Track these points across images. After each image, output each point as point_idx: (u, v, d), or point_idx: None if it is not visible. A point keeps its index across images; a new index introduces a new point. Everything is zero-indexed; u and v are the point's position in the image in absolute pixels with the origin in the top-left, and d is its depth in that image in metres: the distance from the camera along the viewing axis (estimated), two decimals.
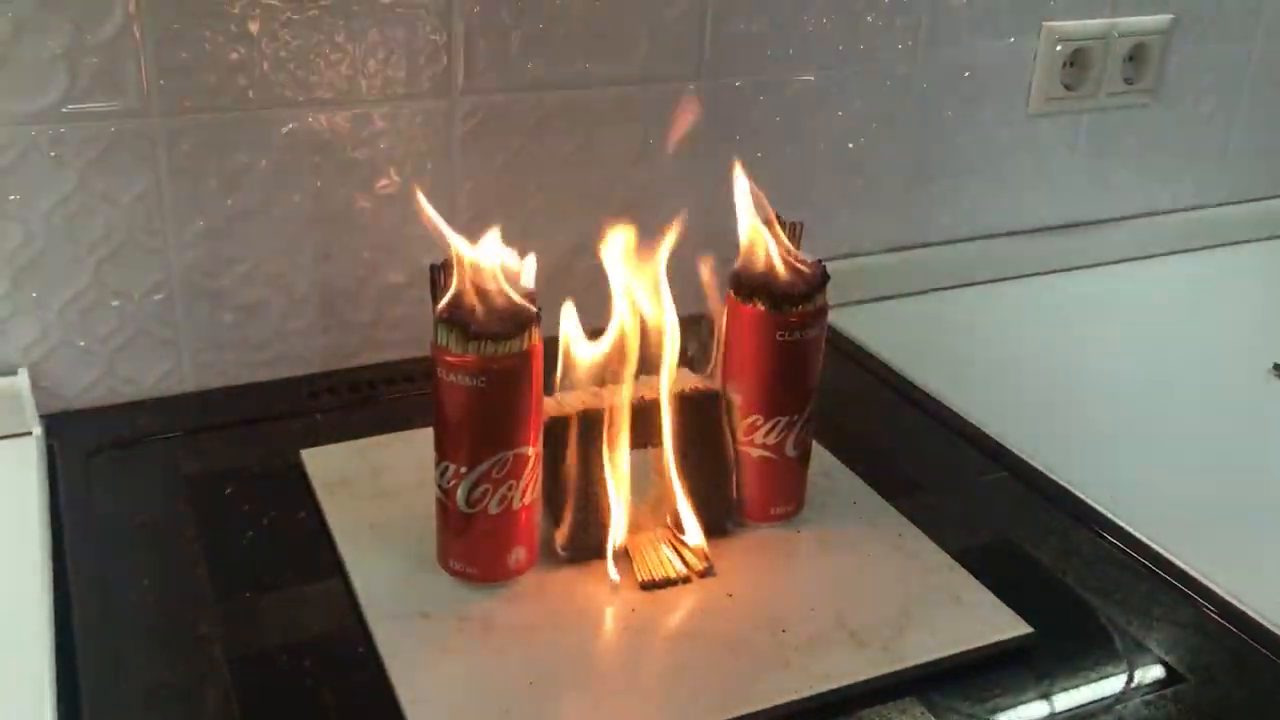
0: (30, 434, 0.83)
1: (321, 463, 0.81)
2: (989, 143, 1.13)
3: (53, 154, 0.79)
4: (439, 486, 0.67)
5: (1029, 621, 0.69)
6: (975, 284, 1.16)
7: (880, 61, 1.05)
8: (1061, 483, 0.83)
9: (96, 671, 0.64)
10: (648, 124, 0.97)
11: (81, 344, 0.85)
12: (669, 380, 0.71)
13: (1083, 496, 0.82)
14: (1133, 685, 0.67)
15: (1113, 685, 0.67)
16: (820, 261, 0.72)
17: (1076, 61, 1.14)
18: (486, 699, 0.62)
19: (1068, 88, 1.14)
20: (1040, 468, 0.85)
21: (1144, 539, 0.78)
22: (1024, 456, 0.86)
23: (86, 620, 0.68)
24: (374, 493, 0.78)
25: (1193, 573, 0.75)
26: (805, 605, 0.69)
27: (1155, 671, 0.68)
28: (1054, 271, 1.20)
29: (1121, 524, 0.79)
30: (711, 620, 0.68)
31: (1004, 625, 0.69)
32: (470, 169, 0.92)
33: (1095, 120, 1.17)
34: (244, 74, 0.83)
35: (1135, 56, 1.16)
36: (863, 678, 0.64)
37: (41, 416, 0.85)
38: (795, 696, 0.63)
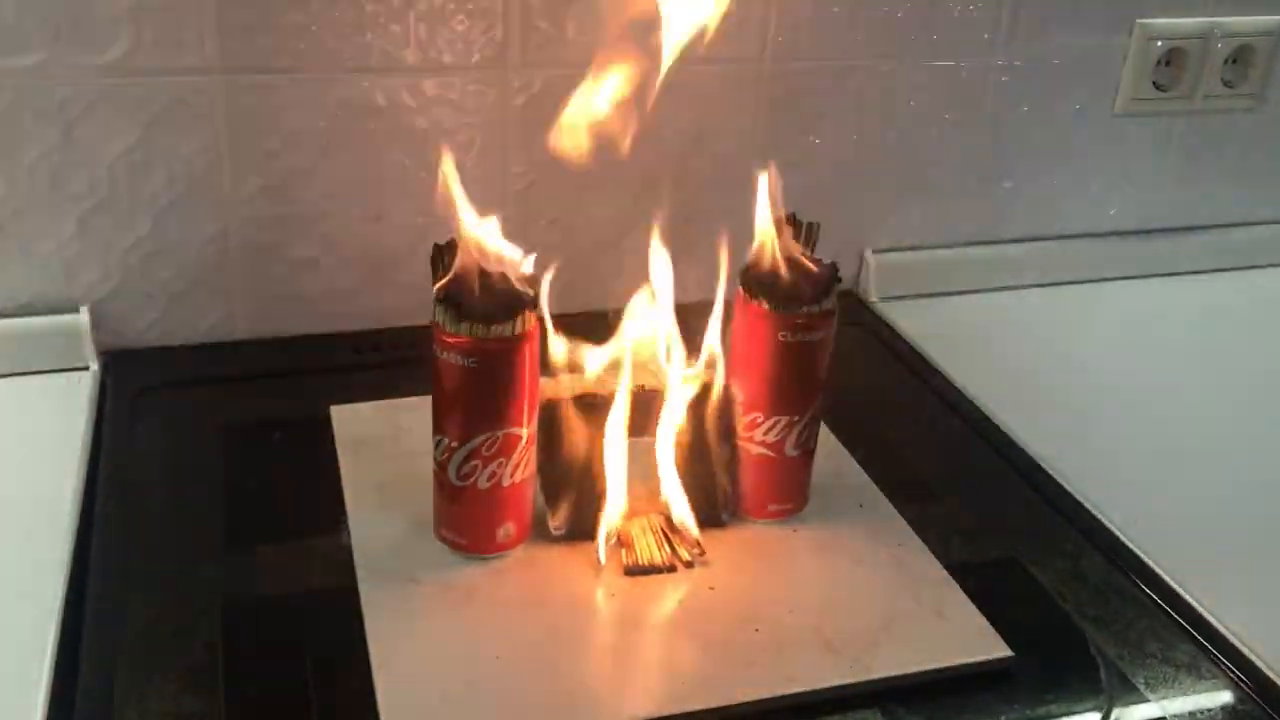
0: (88, 369, 0.89)
1: (348, 420, 0.84)
2: (1069, 141, 1.09)
3: (118, 106, 0.83)
4: (434, 458, 0.69)
5: (1013, 645, 0.68)
6: (1044, 285, 1.13)
7: (956, 52, 1.02)
8: (1084, 503, 0.81)
9: (101, 601, 0.68)
10: (707, 106, 0.97)
11: (140, 288, 0.90)
12: (671, 370, 0.72)
13: (1102, 519, 0.80)
14: None
15: (1087, 717, 0.66)
16: (834, 265, 0.71)
17: (1173, 61, 1.09)
18: (453, 668, 0.64)
19: (1159, 88, 1.09)
20: (1065, 485, 0.83)
21: (1157, 569, 0.76)
22: (1051, 472, 0.85)
23: (103, 551, 0.72)
24: (391, 454, 0.80)
25: (1202, 611, 0.72)
26: (785, 606, 0.70)
27: (1138, 712, 0.66)
28: (1131, 278, 1.15)
29: (1137, 551, 0.77)
30: (688, 612, 0.69)
31: (984, 646, 0.68)
32: (523, 142, 0.93)
33: (1189, 123, 1.12)
34: (303, 39, 0.85)
35: (1239, 59, 1.11)
36: (826, 685, 0.65)
37: (101, 354, 0.90)
38: (752, 696, 0.63)
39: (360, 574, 0.70)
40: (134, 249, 0.88)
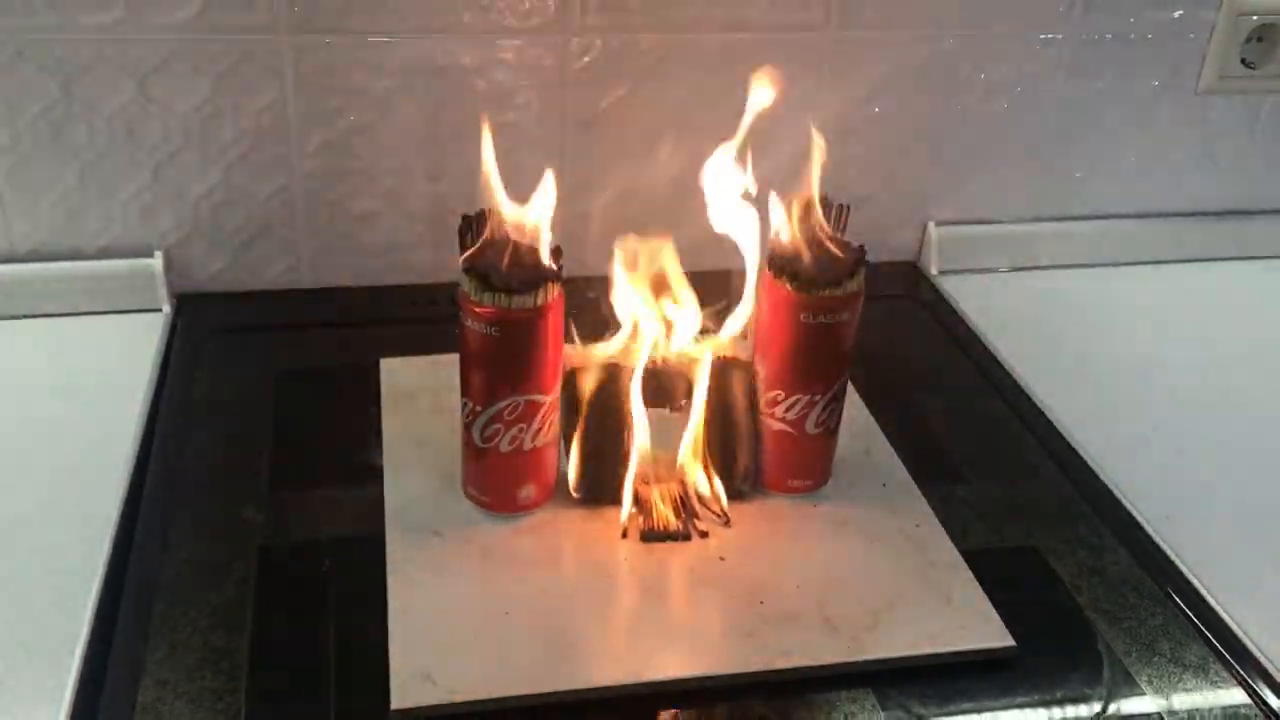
0: (160, 310, 0.94)
1: (396, 372, 0.87)
2: (1148, 118, 1.06)
3: (190, 63, 0.87)
4: (461, 420, 0.72)
5: (1018, 635, 0.68)
6: (1115, 265, 1.10)
7: (1030, 23, 1.00)
8: (1117, 495, 0.81)
9: (148, 534, 0.73)
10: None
11: (211, 235, 0.94)
12: (700, 341, 0.73)
13: (1134, 513, 0.79)
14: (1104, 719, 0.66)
15: (1081, 713, 0.66)
16: (862, 248, 0.72)
17: (1265, 37, 1.05)
18: (462, 620, 0.67)
19: (1249, 65, 1.05)
20: (1101, 476, 0.82)
21: (1182, 567, 0.75)
22: (1089, 462, 0.84)
23: (156, 486, 0.77)
24: (432, 409, 0.83)
25: (1222, 614, 0.71)
26: (792, 581, 0.71)
27: (1135, 711, 0.66)
28: (1210, 260, 1.12)
29: (1164, 549, 0.76)
30: (696, 580, 0.71)
31: (986, 634, 0.68)
32: (581, 106, 0.94)
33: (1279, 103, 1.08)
34: (377, 2, 0.88)
35: None
36: (822, 662, 0.66)
37: (173, 296, 0.95)
38: (745, 668, 0.65)
39: (389, 524, 0.73)
40: (205, 198, 0.93)
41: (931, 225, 1.07)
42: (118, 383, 0.86)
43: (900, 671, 0.67)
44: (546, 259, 0.68)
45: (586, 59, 0.93)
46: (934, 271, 1.07)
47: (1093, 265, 1.10)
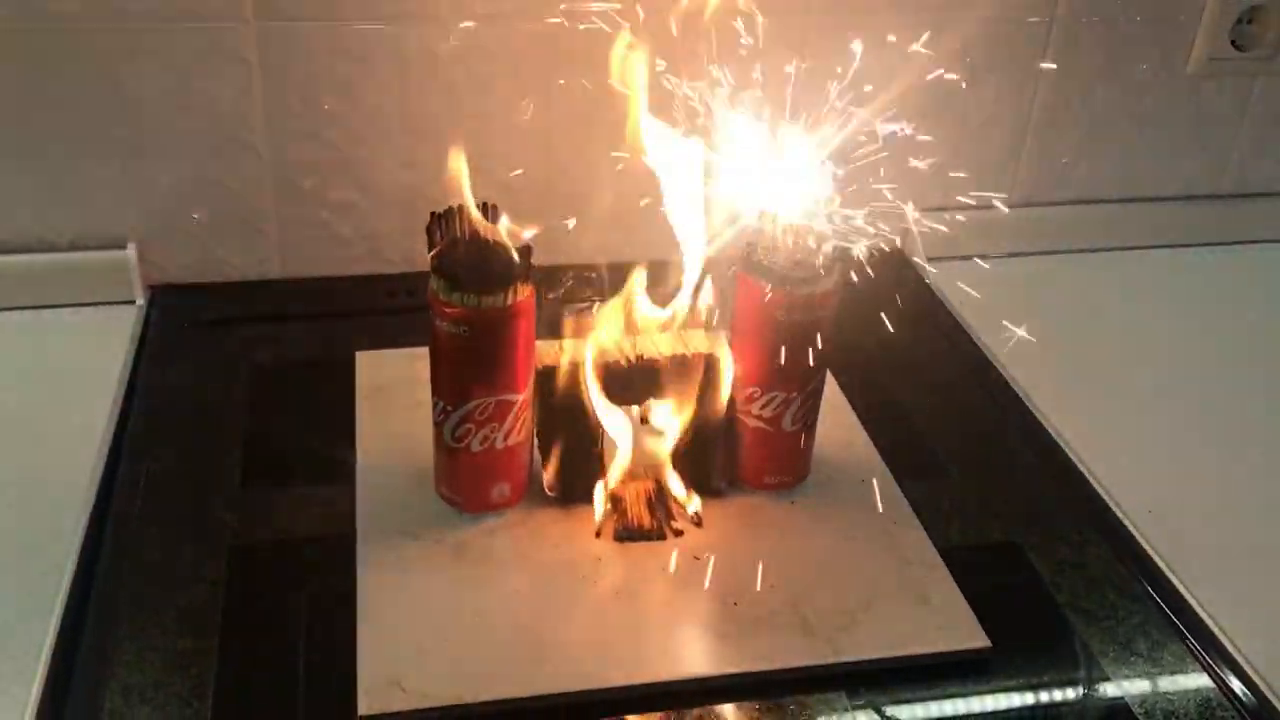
0: (134, 303, 0.93)
1: (371, 366, 0.86)
2: (1137, 101, 1.04)
3: (156, 51, 0.86)
4: (434, 419, 0.71)
5: (995, 634, 0.68)
6: (1104, 250, 1.09)
7: (1015, 4, 0.98)
8: (1100, 491, 0.80)
9: (116, 534, 0.72)
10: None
11: (184, 226, 0.93)
12: (672, 338, 0.72)
13: (1116, 510, 0.78)
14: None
15: (1057, 713, 0.65)
16: (836, 246, 0.70)
17: (1255, 19, 1.03)
18: (433, 623, 0.66)
19: (1239, 47, 1.04)
20: (1084, 471, 0.82)
21: (1162, 565, 0.74)
22: (1072, 457, 0.83)
23: (127, 484, 0.76)
24: (408, 403, 0.82)
25: (1201, 613, 0.71)
26: (767, 580, 0.70)
27: (1111, 708, 0.66)
28: (1202, 245, 1.11)
29: (1145, 546, 0.76)
30: (669, 580, 0.70)
31: (961, 635, 0.68)
32: (549, 91, 0.93)
33: (1270, 85, 1.06)
34: None
35: None
36: (795, 664, 0.65)
37: (148, 288, 0.94)
38: (718, 670, 0.65)
39: (360, 525, 0.73)
40: (176, 189, 0.91)
41: (914, 211, 1.06)
42: (90, 376, 0.85)
43: (875, 673, 0.66)
44: (516, 258, 0.67)
45: (555, 43, 0.91)
46: (918, 259, 1.06)
47: (1081, 251, 1.09)
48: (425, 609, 0.67)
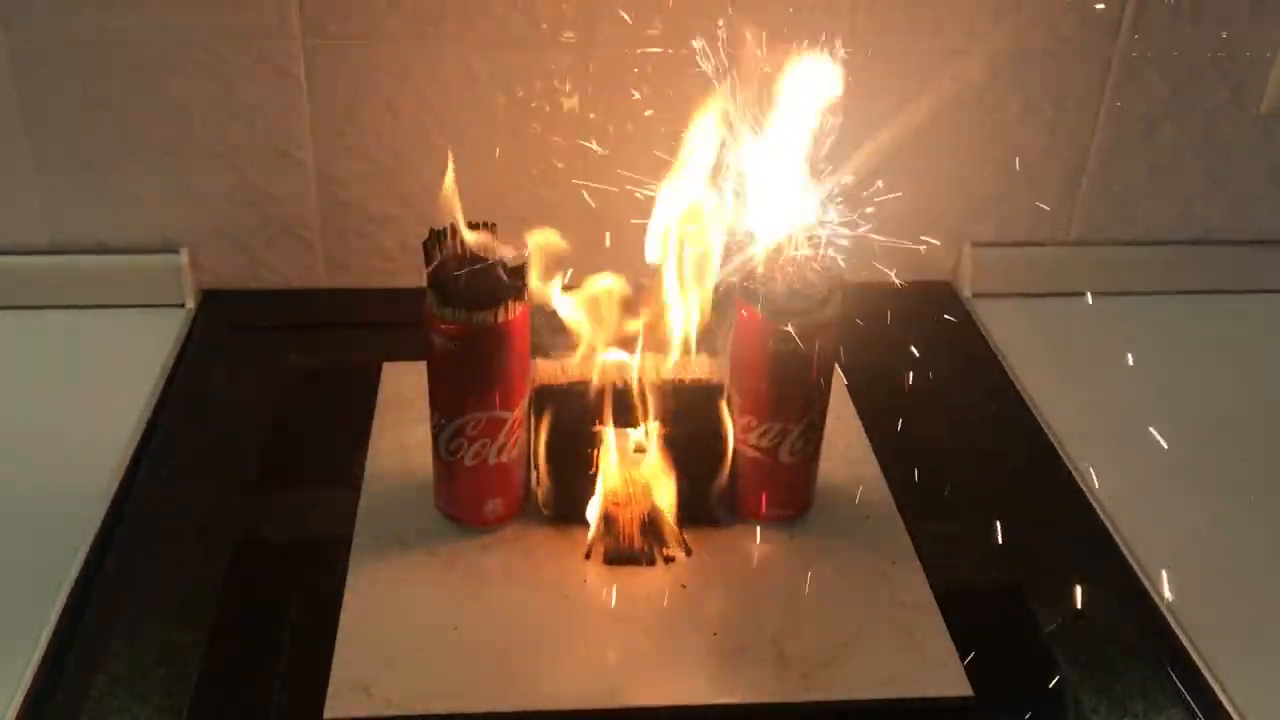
0: (183, 306, 0.97)
1: (395, 377, 0.88)
2: (1204, 140, 1.00)
3: (205, 65, 0.89)
4: (431, 432, 0.73)
5: (981, 683, 0.66)
6: (1161, 293, 1.05)
7: (1077, 38, 0.95)
8: (1118, 542, 0.77)
9: (130, 526, 0.75)
10: None
11: (234, 235, 0.96)
12: (667, 366, 0.72)
13: (1132, 564, 0.75)
14: None
15: None
16: (838, 275, 0.69)
17: None
18: (411, 632, 0.67)
19: None
20: (1103, 519, 0.79)
21: (1171, 620, 0.71)
22: (1093, 501, 0.80)
23: (146, 479, 0.79)
24: (424, 416, 0.83)
25: (1208, 677, 0.68)
26: (750, 613, 0.70)
27: None
28: (1263, 291, 1.06)
29: (1155, 598, 0.72)
30: (653, 607, 0.70)
31: (943, 681, 0.66)
32: (589, 114, 0.94)
33: None
34: (380, 6, 0.89)
35: None
36: (766, 699, 0.65)
37: (199, 292, 0.97)
38: (686, 700, 0.64)
39: (358, 531, 0.74)
40: (225, 198, 0.95)
41: (967, 245, 1.04)
42: (133, 373, 0.89)
43: (847, 714, 0.65)
44: (508, 276, 0.68)
45: (595, 66, 0.92)
46: (967, 294, 1.04)
47: (1139, 293, 1.05)
48: (406, 618, 0.68)
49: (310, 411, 0.87)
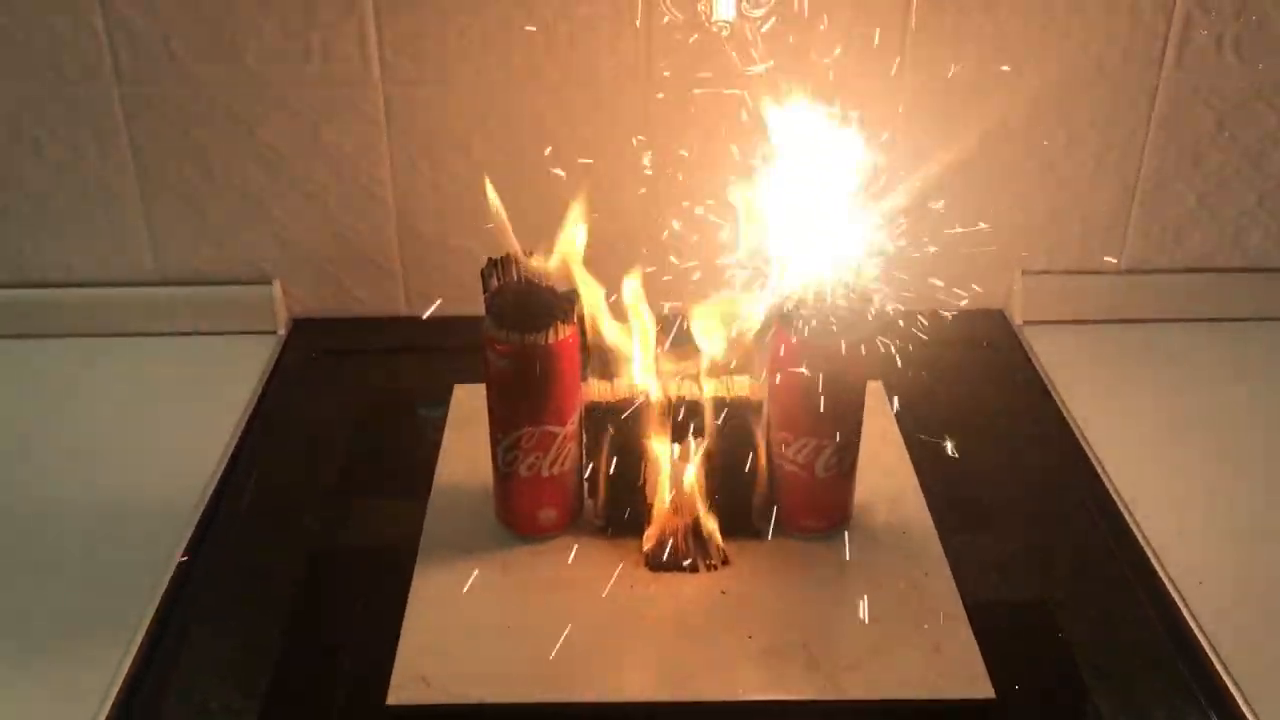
0: (275, 333, 1.04)
1: (466, 398, 0.94)
2: (1253, 168, 1.02)
3: (295, 110, 0.98)
4: (490, 446, 0.78)
5: (1004, 689, 0.69)
6: (1211, 320, 1.06)
7: (1112, 73, 0.98)
8: (1150, 555, 0.79)
9: (218, 533, 0.82)
10: None
11: (320, 265, 1.04)
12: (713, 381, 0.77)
13: (1164, 576, 0.77)
14: None
15: None
16: (869, 299, 0.74)
17: None
18: (469, 631, 0.73)
19: None
20: (1138, 535, 0.81)
21: (1199, 634, 0.73)
22: (1130, 521, 0.82)
23: (234, 491, 0.86)
24: (487, 434, 0.89)
25: (1232, 688, 0.69)
26: (783, 618, 0.74)
27: None
28: None
29: (1185, 612, 0.74)
30: (693, 610, 0.75)
31: (966, 684, 0.69)
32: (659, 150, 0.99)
33: None
34: (454, 53, 0.96)
35: None
36: (794, 697, 0.69)
37: (290, 319, 1.05)
38: (716, 696, 0.69)
39: (424, 537, 0.80)
40: (313, 232, 1.03)
41: (1018, 273, 1.07)
42: (226, 395, 0.97)
43: (867, 714, 0.68)
44: (559, 300, 0.74)
45: (663, 103, 0.98)
46: (1018, 321, 1.07)
47: (1189, 320, 1.06)
48: (465, 616, 0.74)
49: (387, 429, 0.94)
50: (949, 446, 0.84)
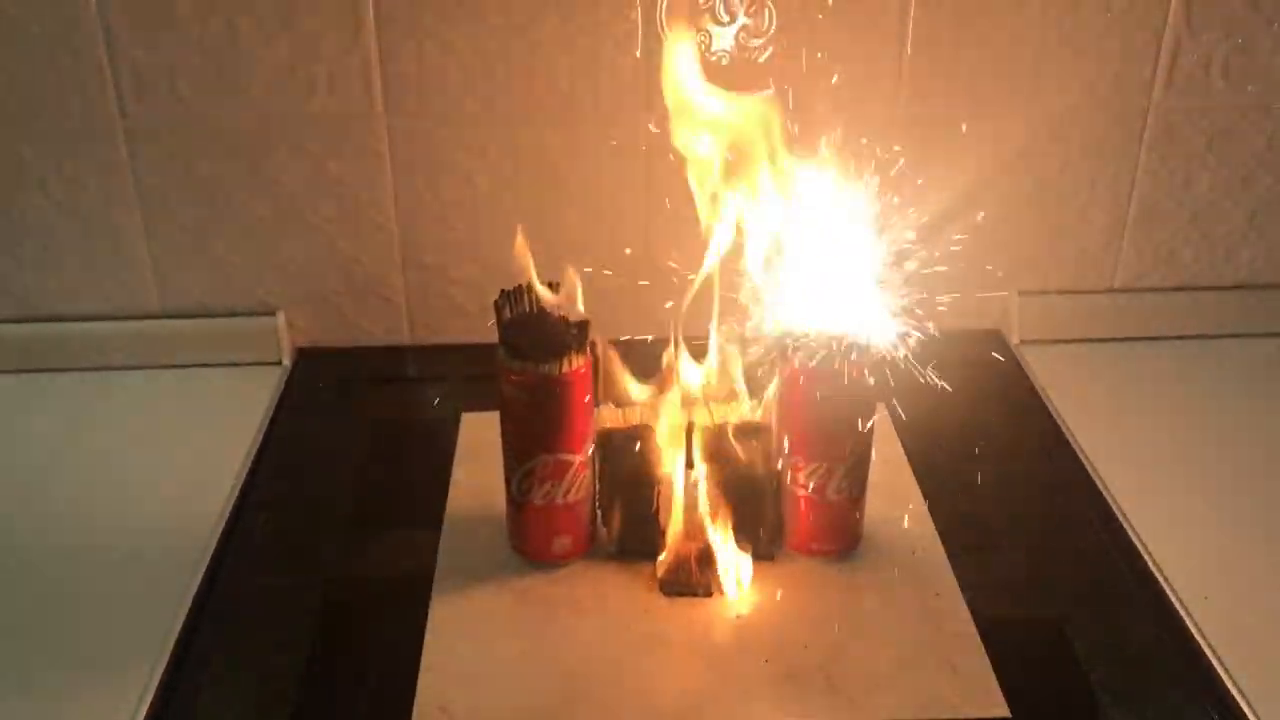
0: (280, 363, 1.05)
1: (475, 427, 0.95)
2: (1242, 188, 1.04)
3: (297, 144, 0.98)
4: (504, 475, 0.79)
5: (1018, 708, 0.70)
6: (1206, 337, 1.08)
7: (1103, 98, 1.00)
8: (1158, 577, 0.80)
9: (234, 561, 0.83)
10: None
11: (324, 296, 1.05)
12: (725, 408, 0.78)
13: (1170, 593, 0.79)
14: None
15: None
16: (868, 330, 0.75)
17: None
18: (487, 660, 0.74)
19: None
20: (1143, 552, 0.82)
21: (1206, 649, 0.74)
22: (1134, 538, 0.84)
23: (247, 520, 0.87)
24: (498, 461, 0.90)
25: (1244, 706, 0.70)
26: (800, 641, 0.75)
27: None
28: None
29: (1195, 630, 0.76)
30: (709, 636, 0.76)
31: (980, 704, 0.70)
32: (663, 189, 1.01)
33: None
34: (455, 88, 0.97)
35: None
36: (812, 719, 0.70)
37: (295, 350, 1.06)
38: None
39: (439, 568, 0.81)
40: (317, 263, 1.03)
41: (1014, 294, 1.08)
42: (234, 425, 0.97)
43: None
44: (571, 331, 0.75)
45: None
46: (1015, 340, 1.08)
47: (1184, 337, 1.08)
48: (483, 645, 0.75)
49: (396, 459, 0.95)
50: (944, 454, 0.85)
